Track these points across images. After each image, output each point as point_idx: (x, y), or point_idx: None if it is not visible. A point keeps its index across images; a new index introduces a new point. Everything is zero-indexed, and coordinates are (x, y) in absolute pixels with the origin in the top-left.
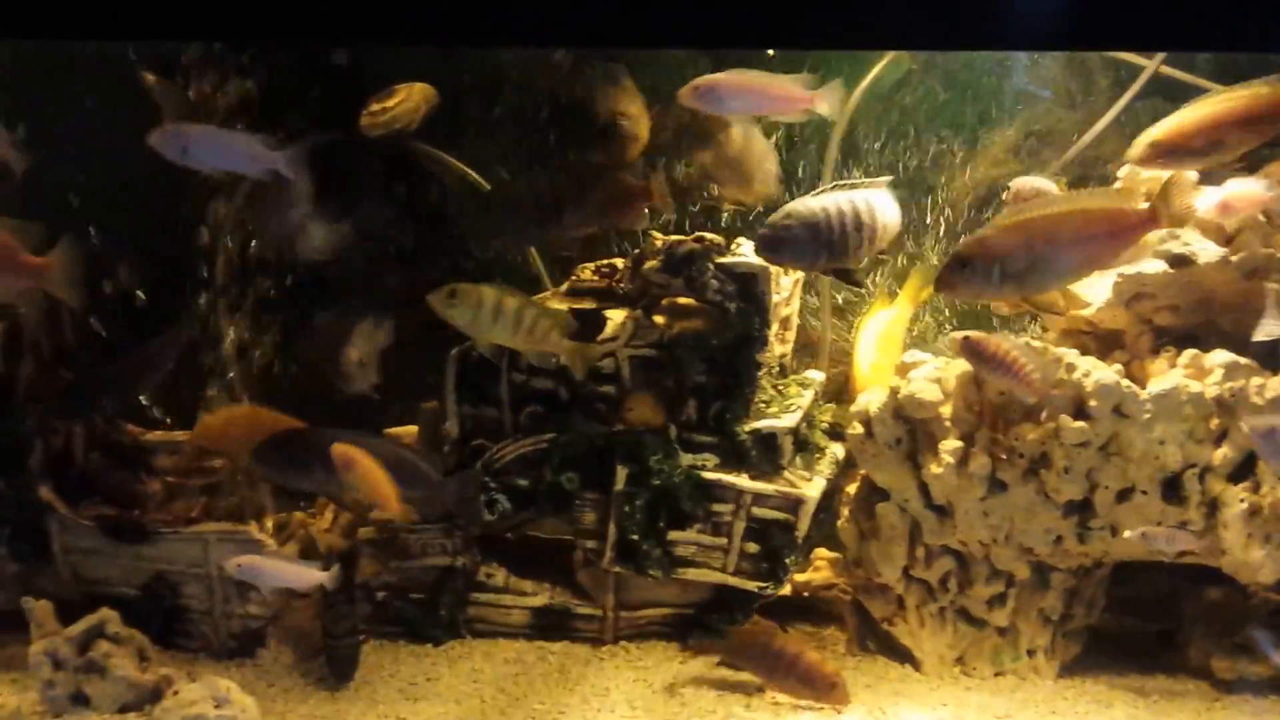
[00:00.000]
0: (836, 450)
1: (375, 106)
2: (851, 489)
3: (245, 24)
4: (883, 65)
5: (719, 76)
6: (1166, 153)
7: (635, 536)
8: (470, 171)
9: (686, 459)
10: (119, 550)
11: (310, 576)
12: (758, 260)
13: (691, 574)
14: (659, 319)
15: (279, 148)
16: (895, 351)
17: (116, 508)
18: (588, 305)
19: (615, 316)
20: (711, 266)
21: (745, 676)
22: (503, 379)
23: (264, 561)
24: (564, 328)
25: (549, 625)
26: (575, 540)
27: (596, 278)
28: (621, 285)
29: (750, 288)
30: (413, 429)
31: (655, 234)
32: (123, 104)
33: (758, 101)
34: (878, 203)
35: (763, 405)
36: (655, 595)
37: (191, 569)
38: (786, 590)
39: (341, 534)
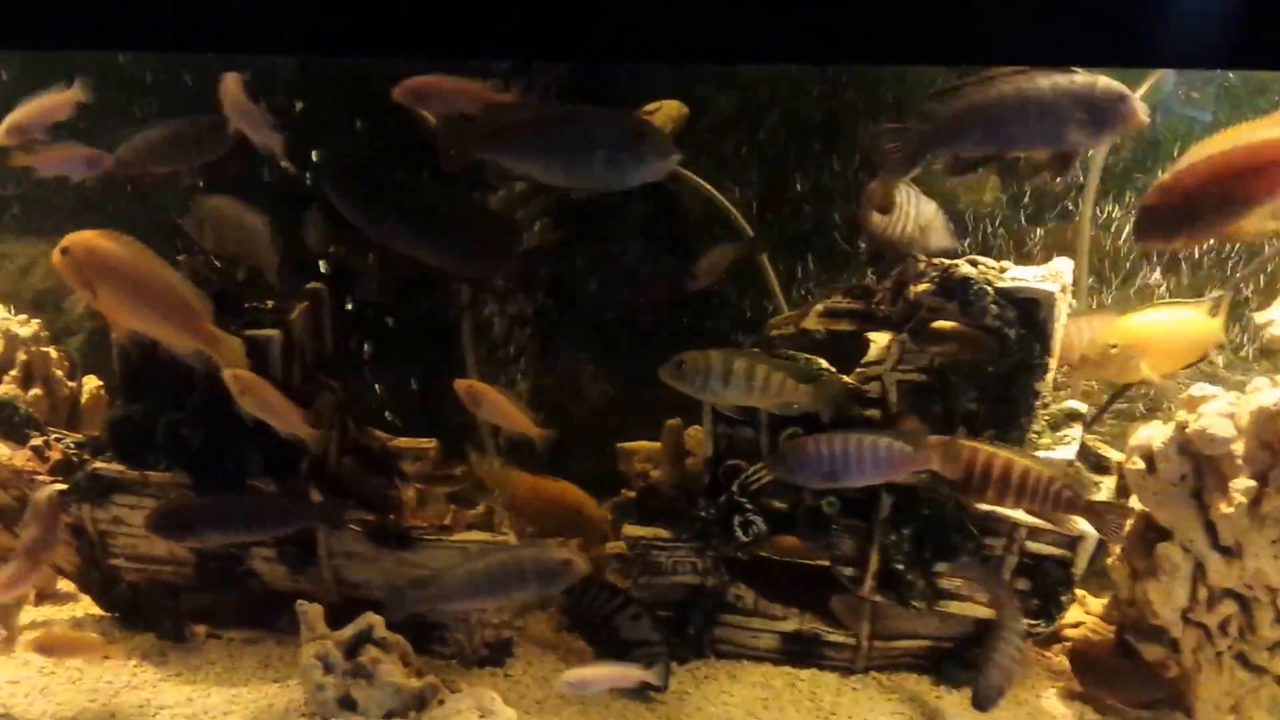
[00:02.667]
0: (1107, 484)
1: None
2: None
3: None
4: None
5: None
6: None
7: (899, 566)
8: (712, 190)
9: None
10: (381, 555)
11: (635, 676)
12: (1042, 286)
13: (955, 607)
14: (930, 344)
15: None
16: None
17: (372, 513)
18: (845, 327)
19: (879, 340)
20: (990, 291)
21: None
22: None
23: (592, 672)
24: (797, 376)
25: (798, 651)
26: (831, 566)
27: (850, 299)
28: (881, 307)
29: (1032, 314)
30: (655, 445)
31: (917, 256)
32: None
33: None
34: None
35: (1033, 436)
36: (912, 627)
37: None
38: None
39: (578, 546)
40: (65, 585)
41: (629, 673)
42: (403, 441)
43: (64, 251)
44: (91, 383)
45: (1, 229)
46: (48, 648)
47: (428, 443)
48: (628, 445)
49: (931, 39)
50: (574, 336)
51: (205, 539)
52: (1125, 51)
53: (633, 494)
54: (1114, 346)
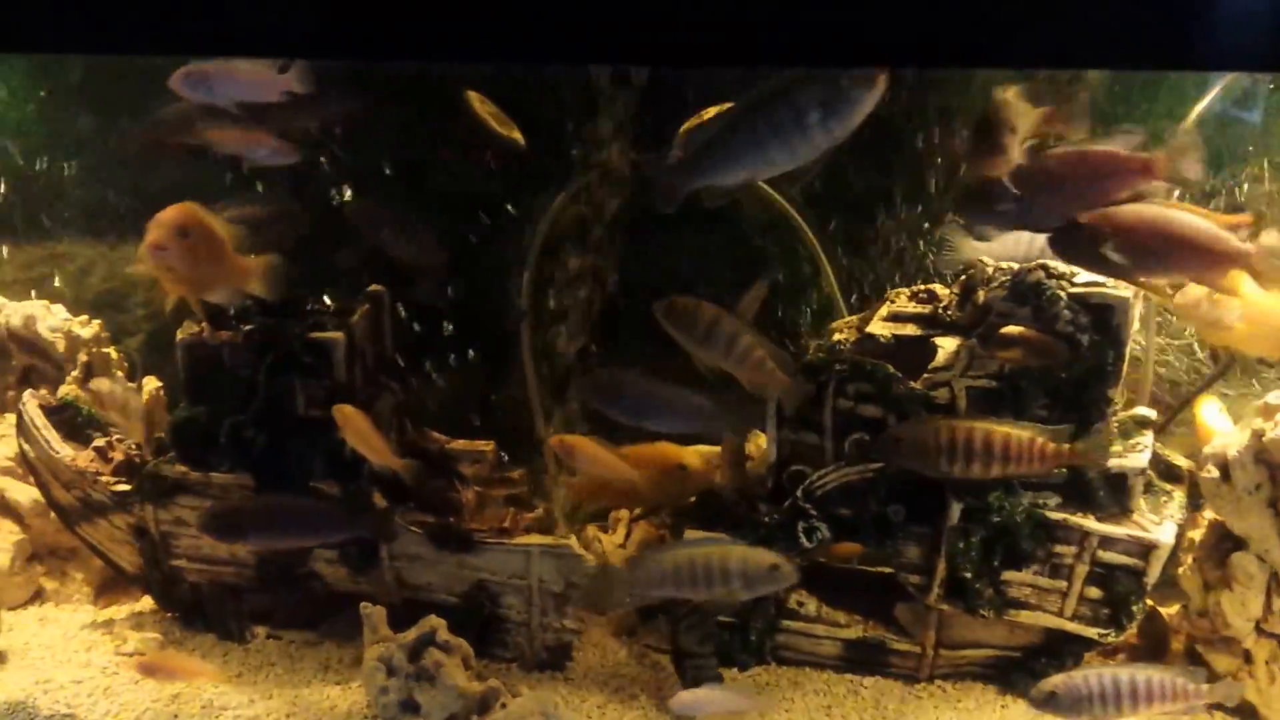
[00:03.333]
0: (1179, 493)
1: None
2: (1196, 535)
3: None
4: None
5: (205, 64)
6: None
7: (967, 574)
8: (773, 193)
9: (1026, 496)
10: (443, 558)
11: (743, 705)
12: (1117, 291)
13: (1025, 616)
14: (999, 349)
15: (283, 71)
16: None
17: (433, 515)
18: (910, 332)
19: (946, 345)
20: (1064, 296)
21: None
22: (826, 405)
23: (704, 694)
24: (782, 363)
25: (861, 659)
26: (897, 574)
27: (916, 304)
28: (949, 312)
29: (1106, 319)
30: (708, 449)
31: (984, 260)
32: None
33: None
34: None
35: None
36: (979, 635)
37: (512, 580)
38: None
39: (637, 549)
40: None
41: (738, 701)
42: (461, 444)
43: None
44: (151, 384)
45: (62, 230)
46: (151, 668)
47: (485, 445)
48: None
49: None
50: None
51: (256, 542)
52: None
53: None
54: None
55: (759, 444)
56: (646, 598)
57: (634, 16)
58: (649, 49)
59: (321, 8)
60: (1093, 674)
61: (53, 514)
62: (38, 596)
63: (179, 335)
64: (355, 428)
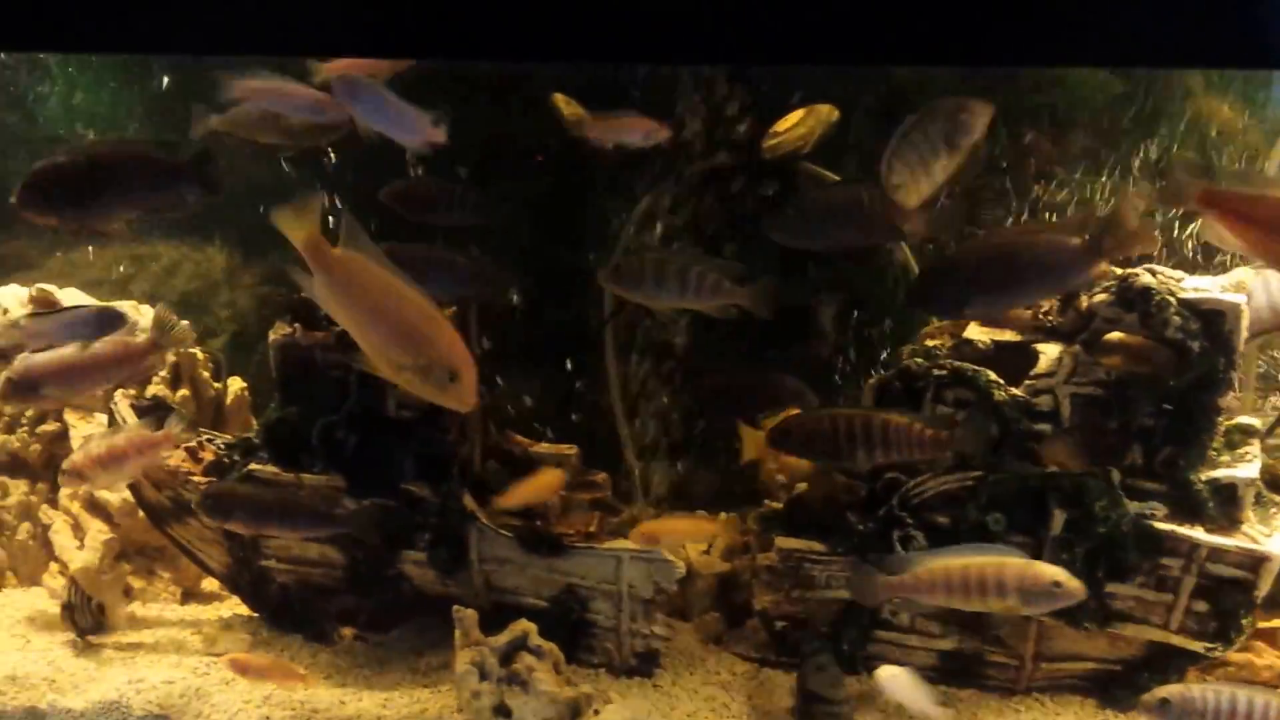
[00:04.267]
0: None
1: (776, 128)
2: None
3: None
4: None
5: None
6: None
7: None
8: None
9: (1132, 507)
10: (532, 562)
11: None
12: (1228, 297)
13: (1128, 629)
14: (1105, 356)
15: (437, 124)
16: None
17: (520, 519)
18: (1010, 337)
19: (1049, 351)
20: (1173, 302)
21: None
22: (924, 410)
23: (910, 683)
24: (732, 276)
25: (956, 670)
26: None
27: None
28: (1049, 318)
29: (1216, 326)
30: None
31: None
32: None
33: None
34: None
35: (1212, 454)
36: (1080, 648)
37: (602, 585)
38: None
39: (721, 557)
40: (209, 585)
41: (930, 710)
42: (544, 447)
43: None
44: (236, 384)
45: (149, 231)
46: (243, 667)
47: (569, 449)
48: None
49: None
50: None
51: (242, 526)
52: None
53: (777, 505)
54: None
55: None
56: (911, 602)
57: (711, 15)
58: (730, 48)
59: (403, 8)
60: (1210, 689)
61: (142, 513)
62: (126, 595)
63: (271, 336)
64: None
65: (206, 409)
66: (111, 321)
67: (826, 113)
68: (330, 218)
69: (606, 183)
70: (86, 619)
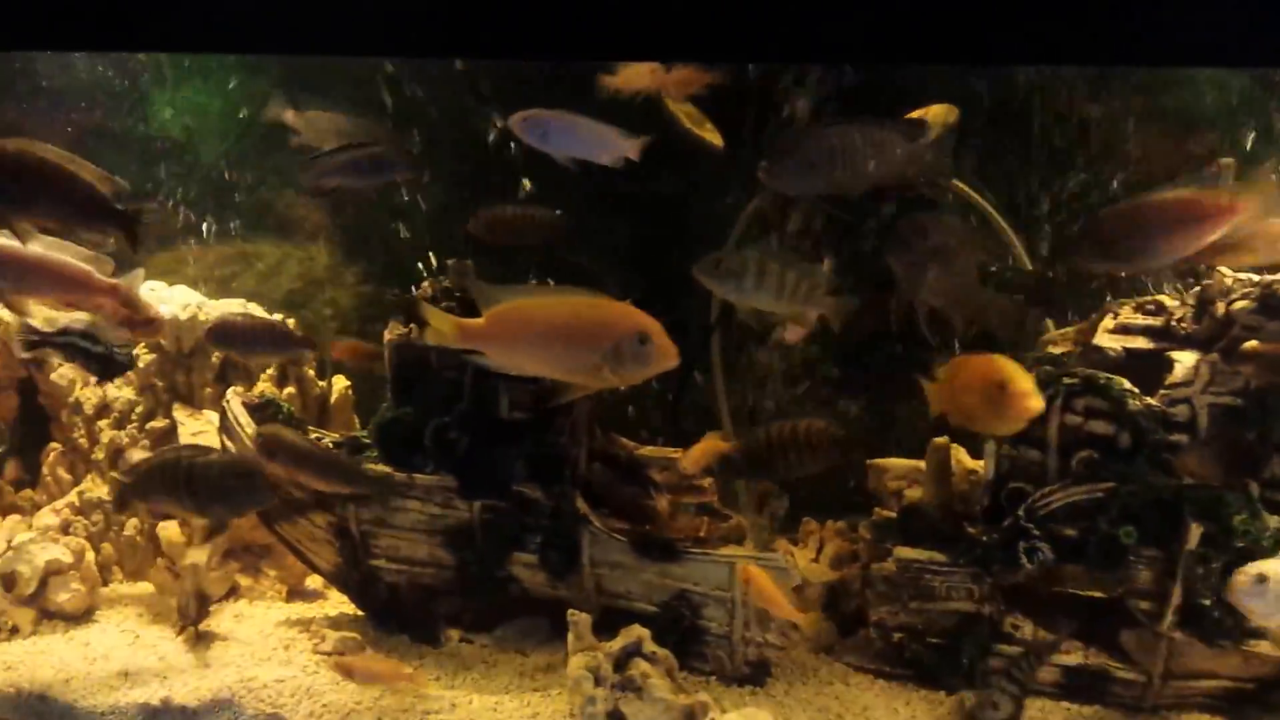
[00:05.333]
0: None
1: None
2: None
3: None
4: None
5: (546, 112)
6: None
7: (1206, 602)
8: (979, 198)
9: (1273, 521)
10: (644, 566)
11: None
12: None
13: (1265, 647)
14: (1244, 365)
15: (630, 138)
16: None
17: (628, 522)
18: (1141, 345)
19: (1184, 359)
20: None
21: None
22: (1052, 420)
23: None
24: (828, 285)
25: (1080, 686)
26: (1124, 599)
27: (1144, 315)
28: (1183, 325)
29: None
30: (908, 463)
31: (1223, 270)
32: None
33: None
34: None
35: None
36: (1211, 666)
37: (715, 591)
38: None
39: (829, 564)
40: (313, 582)
41: None
42: (649, 450)
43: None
44: (340, 383)
45: (254, 231)
46: (349, 669)
47: (674, 452)
48: (879, 462)
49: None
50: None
51: (279, 466)
52: None
53: (890, 513)
54: None
55: (960, 459)
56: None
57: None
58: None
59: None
60: None
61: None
62: (232, 593)
63: (386, 336)
64: (759, 588)
65: (312, 407)
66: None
67: (943, 113)
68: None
69: (717, 184)
70: (192, 612)
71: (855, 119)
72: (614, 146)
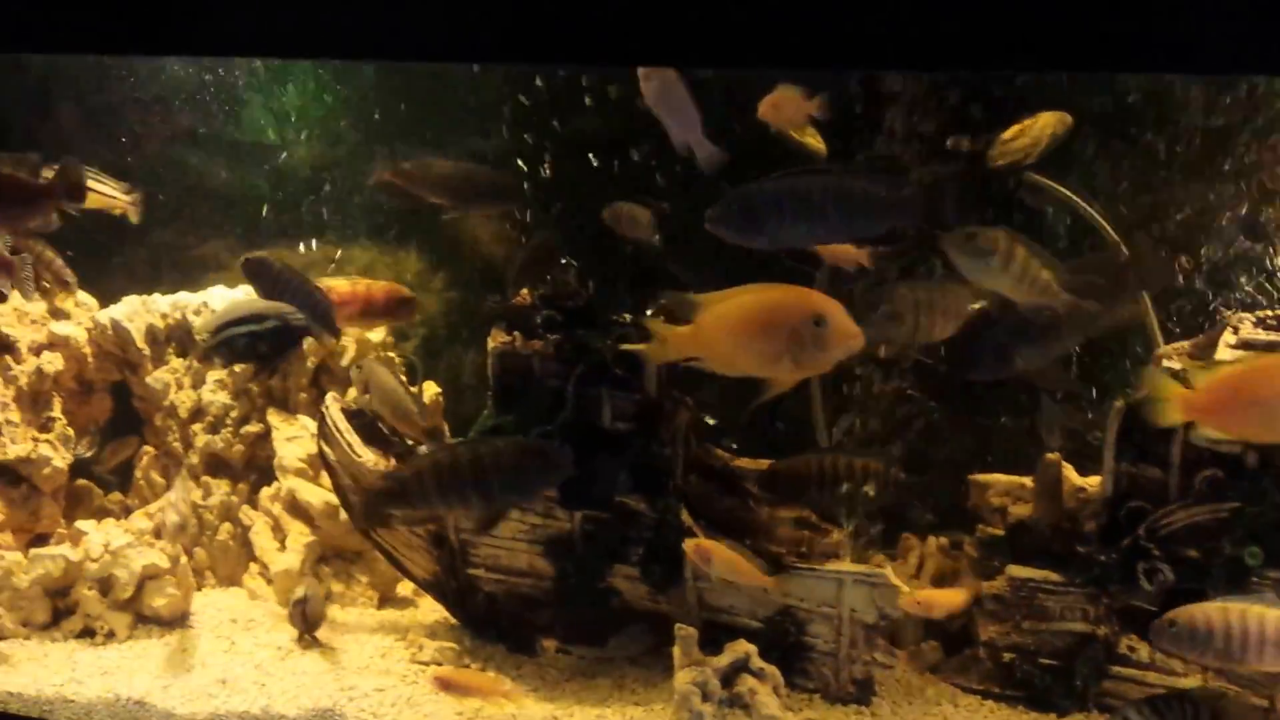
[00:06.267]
0: None
1: (1004, 136)
2: None
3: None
4: None
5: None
6: None
7: None
8: (1085, 205)
9: None
10: None
11: None
12: None
13: None
14: None
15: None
16: None
17: (727, 535)
18: None
19: None
20: None
21: None
22: (1176, 438)
23: None
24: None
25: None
26: None
27: (1264, 330)
28: None
29: None
30: (1012, 479)
31: None
32: None
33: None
34: None
35: None
36: None
37: (822, 608)
38: None
39: (931, 582)
40: (404, 589)
41: None
42: (744, 462)
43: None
44: (431, 389)
45: (345, 234)
46: (446, 683)
47: (767, 465)
48: (980, 477)
49: None
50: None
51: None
52: None
53: (999, 530)
54: None
55: (1068, 476)
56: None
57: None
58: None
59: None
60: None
61: (343, 516)
62: (325, 599)
63: (490, 343)
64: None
65: None
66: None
67: (1055, 121)
68: None
69: None
70: (302, 619)
71: (828, 170)
72: (698, 143)
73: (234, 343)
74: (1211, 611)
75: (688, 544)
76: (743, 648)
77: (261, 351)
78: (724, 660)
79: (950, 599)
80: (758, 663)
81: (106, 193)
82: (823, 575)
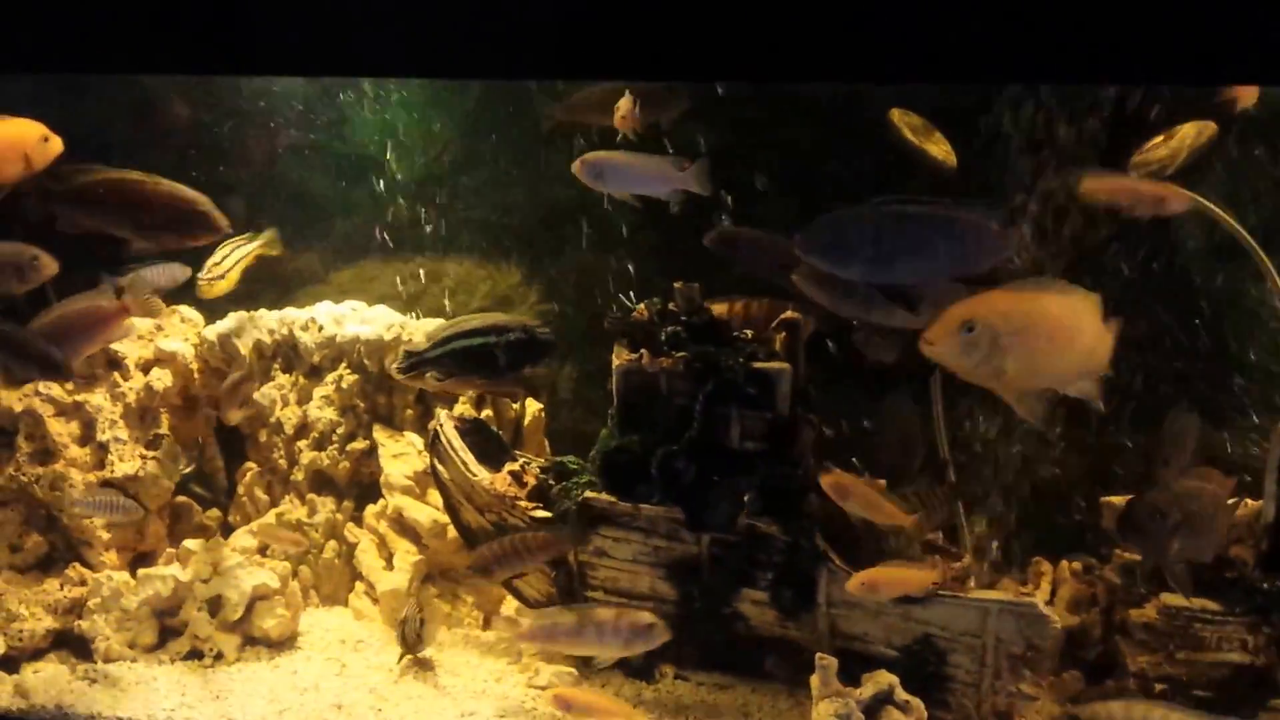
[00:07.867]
0: None
1: (1145, 147)
2: None
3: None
4: None
5: (603, 154)
6: None
7: None
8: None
9: None
10: (887, 608)
11: None
12: None
13: None
14: None
15: (684, 169)
16: None
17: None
18: None
19: None
20: None
21: None
22: None
23: None
24: None
25: None
26: None
27: None
28: None
29: None
30: None
31: None
32: None
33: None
34: None
35: None
36: None
37: (963, 637)
38: None
39: (1066, 608)
40: (508, 609)
41: None
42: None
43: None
44: (533, 405)
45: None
46: (566, 704)
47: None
48: (1114, 500)
49: None
50: None
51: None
52: None
53: (1135, 555)
54: None
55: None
56: None
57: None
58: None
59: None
60: None
61: (450, 535)
62: (437, 619)
63: (615, 361)
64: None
65: (507, 429)
66: None
67: (1195, 131)
68: None
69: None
70: (416, 639)
71: (924, 199)
72: (666, 180)
73: (451, 358)
74: None
75: (824, 478)
76: (885, 679)
77: (500, 363)
78: (866, 691)
79: (902, 578)
80: (902, 694)
81: (244, 252)
82: (967, 603)
